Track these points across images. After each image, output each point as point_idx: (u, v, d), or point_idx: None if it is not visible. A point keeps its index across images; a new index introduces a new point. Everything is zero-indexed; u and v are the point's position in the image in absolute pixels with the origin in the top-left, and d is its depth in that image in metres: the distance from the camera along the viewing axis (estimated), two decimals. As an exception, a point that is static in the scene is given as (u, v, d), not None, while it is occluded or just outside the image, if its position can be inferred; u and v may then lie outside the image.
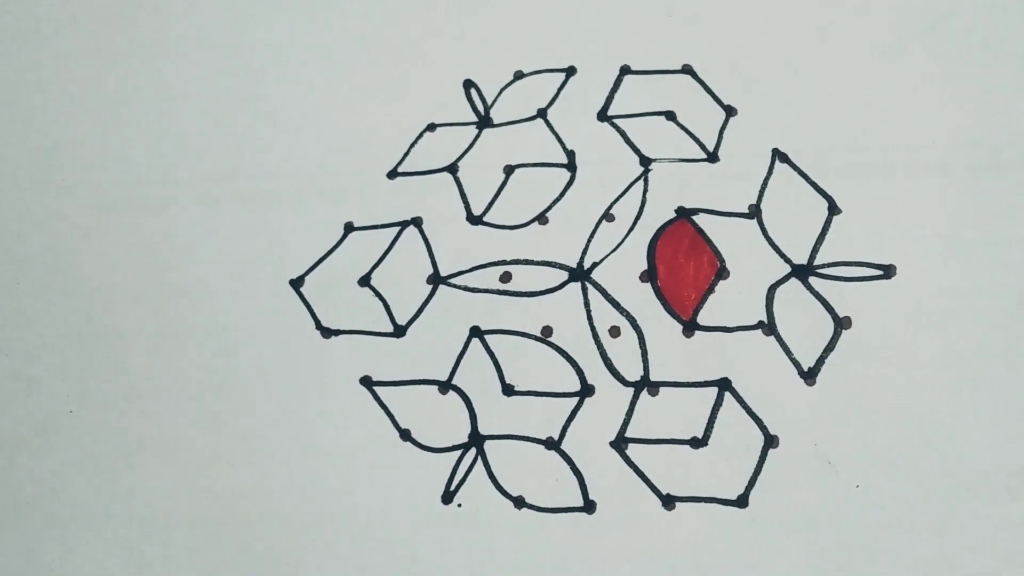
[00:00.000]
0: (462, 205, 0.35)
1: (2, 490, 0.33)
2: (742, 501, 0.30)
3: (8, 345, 0.35)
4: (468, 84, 0.37)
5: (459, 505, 0.31)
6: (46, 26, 0.40)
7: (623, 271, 0.33)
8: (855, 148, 0.32)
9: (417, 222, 0.35)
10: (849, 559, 0.29)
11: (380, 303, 0.34)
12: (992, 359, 0.30)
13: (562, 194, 0.35)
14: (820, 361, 0.31)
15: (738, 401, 0.31)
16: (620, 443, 0.31)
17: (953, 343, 0.31)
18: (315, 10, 0.39)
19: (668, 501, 0.30)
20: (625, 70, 0.36)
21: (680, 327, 0.32)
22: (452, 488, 0.32)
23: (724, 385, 0.31)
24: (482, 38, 0.38)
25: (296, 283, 0.35)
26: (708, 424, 0.31)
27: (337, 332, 0.34)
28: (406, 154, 0.36)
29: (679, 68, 0.36)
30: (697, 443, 0.31)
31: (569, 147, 0.35)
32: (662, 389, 0.32)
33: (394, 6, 0.39)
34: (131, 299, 0.35)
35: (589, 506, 0.31)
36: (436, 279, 0.34)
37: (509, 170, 0.35)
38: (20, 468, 0.33)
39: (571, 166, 0.35)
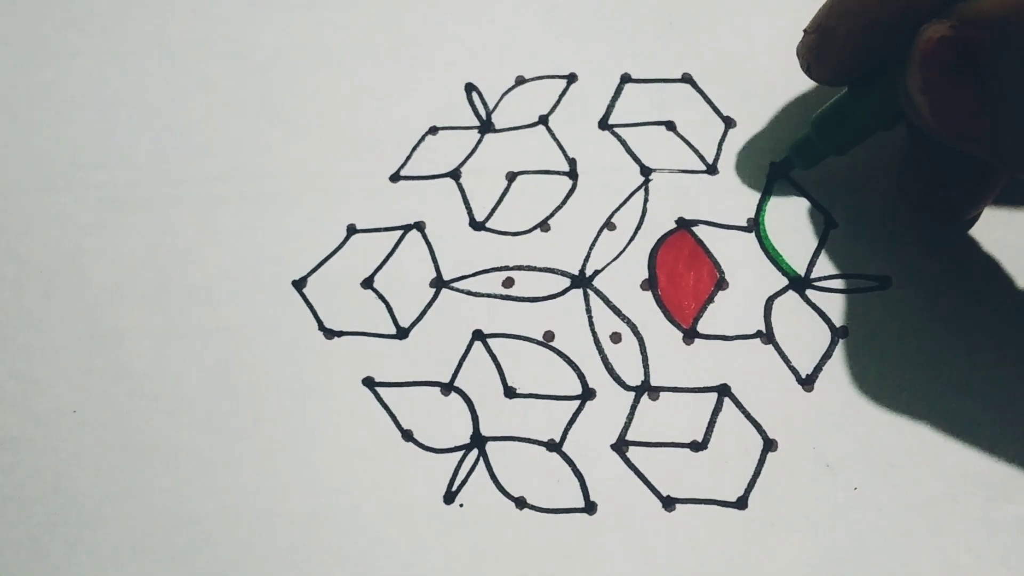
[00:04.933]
0: (464, 210, 0.36)
1: (4, 489, 0.33)
2: (741, 503, 0.31)
3: (10, 345, 0.35)
4: (470, 88, 0.37)
5: (461, 505, 0.32)
6: (48, 26, 0.40)
7: (624, 279, 0.34)
8: (852, 163, 0.33)
9: (420, 226, 0.35)
10: (847, 559, 0.30)
11: (383, 305, 0.34)
12: (986, 365, 0.31)
13: (564, 202, 0.35)
14: (818, 368, 0.32)
15: (737, 406, 0.32)
16: (621, 446, 0.32)
17: (948, 350, 0.32)
18: (318, 12, 0.39)
19: (668, 502, 0.31)
20: (626, 78, 0.37)
21: (680, 335, 0.33)
22: (454, 488, 0.32)
23: (723, 391, 0.32)
24: (484, 42, 0.38)
25: (299, 284, 0.35)
26: (708, 428, 0.32)
27: (340, 333, 0.34)
28: (408, 157, 0.37)
29: (679, 77, 0.37)
30: (697, 446, 0.32)
31: (571, 155, 0.36)
32: (662, 394, 0.32)
33: (397, 9, 0.39)
34: (134, 299, 0.35)
35: (590, 507, 0.31)
36: (439, 283, 0.35)
37: (511, 176, 0.36)
38: (23, 467, 0.33)
39: (573, 174, 0.36)
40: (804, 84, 0.35)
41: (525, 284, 0.34)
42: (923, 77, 0.25)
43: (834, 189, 0.33)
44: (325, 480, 0.32)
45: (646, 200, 0.35)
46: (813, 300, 0.33)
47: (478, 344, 0.34)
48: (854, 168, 0.33)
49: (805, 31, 0.30)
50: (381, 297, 0.35)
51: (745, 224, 0.34)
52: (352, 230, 0.36)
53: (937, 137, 0.26)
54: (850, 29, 0.28)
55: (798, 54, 0.31)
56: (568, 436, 0.32)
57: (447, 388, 0.33)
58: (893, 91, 0.27)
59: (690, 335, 0.33)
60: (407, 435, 0.33)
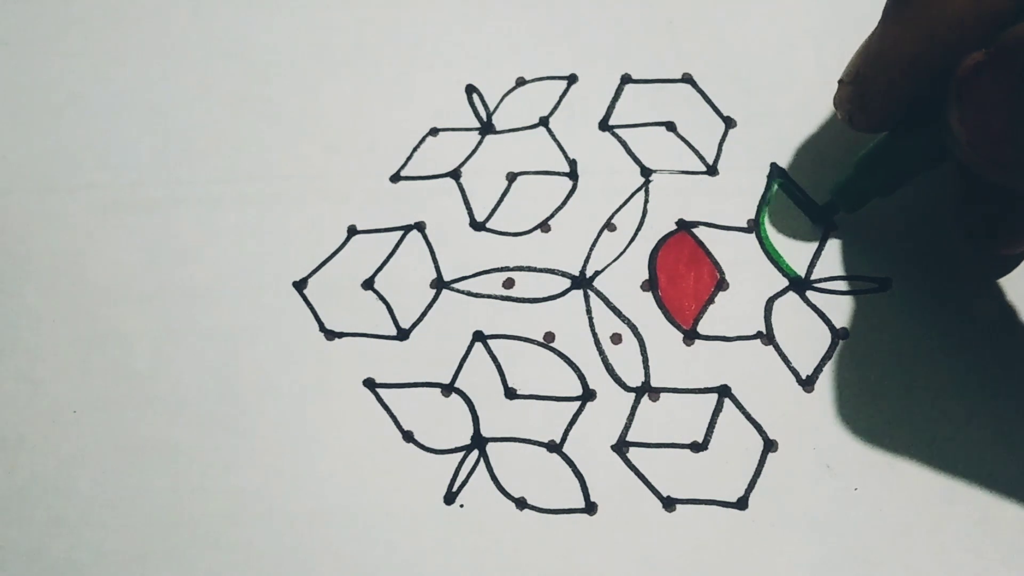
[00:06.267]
0: (465, 210, 0.36)
1: (5, 490, 0.33)
2: (742, 503, 0.31)
3: (11, 345, 0.35)
4: (470, 89, 0.37)
5: (461, 506, 0.32)
6: (49, 26, 0.40)
7: (624, 280, 0.34)
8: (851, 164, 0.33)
9: (420, 227, 0.35)
10: (848, 560, 0.30)
11: (383, 306, 0.35)
12: (986, 365, 0.32)
13: (564, 203, 0.35)
14: (818, 370, 0.32)
15: (737, 407, 0.32)
16: (621, 447, 0.32)
17: (947, 351, 0.32)
18: (319, 13, 0.39)
19: (669, 503, 0.31)
20: (626, 79, 0.37)
21: (681, 335, 0.33)
22: (454, 489, 0.32)
23: (724, 392, 0.32)
24: (484, 43, 0.38)
25: (299, 285, 0.35)
26: (708, 429, 0.32)
27: (341, 334, 0.34)
28: (409, 158, 0.37)
29: (679, 77, 0.37)
30: (697, 447, 0.32)
31: (571, 156, 0.36)
32: (663, 395, 0.32)
33: (397, 10, 0.39)
34: (134, 300, 0.35)
35: (590, 508, 0.31)
36: (439, 283, 0.35)
37: (512, 177, 0.36)
38: (23, 468, 0.33)
39: (573, 175, 0.36)
40: (804, 84, 0.35)
41: (525, 285, 0.34)
42: (959, 106, 0.24)
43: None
44: (326, 481, 0.32)
45: (646, 201, 0.35)
46: (813, 301, 0.33)
47: (479, 345, 0.34)
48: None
49: (841, 82, 0.29)
50: (382, 298, 0.35)
51: (745, 225, 0.34)
52: (353, 231, 0.36)
53: (977, 171, 0.25)
54: (892, 75, 0.27)
55: (836, 106, 0.30)
56: (568, 437, 0.32)
57: (448, 389, 0.33)
58: (938, 128, 0.26)
59: (690, 336, 0.33)
60: (408, 436, 0.33)
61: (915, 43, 0.26)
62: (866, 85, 0.28)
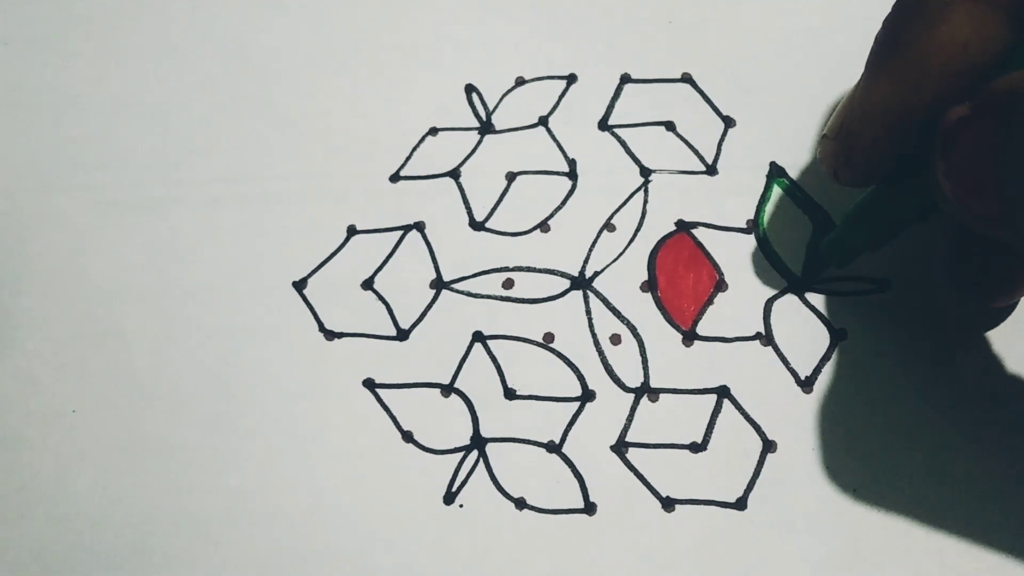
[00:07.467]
0: (464, 210, 0.36)
1: (4, 489, 0.33)
2: (741, 504, 0.31)
3: (11, 344, 0.35)
4: (470, 89, 0.37)
5: (461, 506, 0.32)
6: (49, 26, 0.40)
7: (624, 281, 0.34)
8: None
9: (420, 227, 0.36)
10: (847, 560, 0.30)
11: (383, 306, 0.35)
12: (984, 366, 0.32)
13: (563, 203, 0.35)
14: (817, 370, 0.32)
15: (736, 408, 0.32)
16: (621, 447, 0.32)
17: (946, 352, 0.32)
18: (319, 13, 0.39)
19: (668, 503, 0.31)
20: (625, 78, 0.37)
21: (680, 336, 0.33)
22: (454, 489, 0.32)
23: (723, 392, 0.32)
24: (484, 43, 0.38)
25: (299, 285, 0.35)
26: (707, 429, 0.32)
27: (340, 335, 0.34)
28: (408, 158, 0.37)
29: (679, 77, 0.37)
30: (696, 448, 0.32)
31: (570, 155, 0.36)
32: (662, 395, 0.32)
33: (397, 9, 0.39)
34: (134, 299, 0.35)
35: (590, 508, 0.31)
36: (439, 284, 0.35)
37: (511, 177, 0.36)
38: (22, 467, 0.33)
39: (572, 175, 0.36)
40: (804, 84, 0.35)
41: (525, 285, 0.34)
42: (945, 160, 0.24)
43: (833, 191, 0.33)
44: (325, 481, 0.32)
45: (646, 201, 0.35)
46: (812, 302, 0.33)
47: (478, 345, 0.34)
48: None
49: (825, 136, 0.29)
50: (381, 298, 0.35)
51: (744, 226, 0.34)
52: (352, 231, 0.36)
53: (967, 224, 0.25)
54: (876, 130, 0.26)
55: (821, 160, 0.29)
56: (568, 437, 0.32)
57: (447, 389, 0.33)
58: (925, 181, 0.25)
59: (690, 337, 0.33)
60: (407, 436, 0.33)
61: (900, 96, 0.25)
62: (851, 140, 0.27)
